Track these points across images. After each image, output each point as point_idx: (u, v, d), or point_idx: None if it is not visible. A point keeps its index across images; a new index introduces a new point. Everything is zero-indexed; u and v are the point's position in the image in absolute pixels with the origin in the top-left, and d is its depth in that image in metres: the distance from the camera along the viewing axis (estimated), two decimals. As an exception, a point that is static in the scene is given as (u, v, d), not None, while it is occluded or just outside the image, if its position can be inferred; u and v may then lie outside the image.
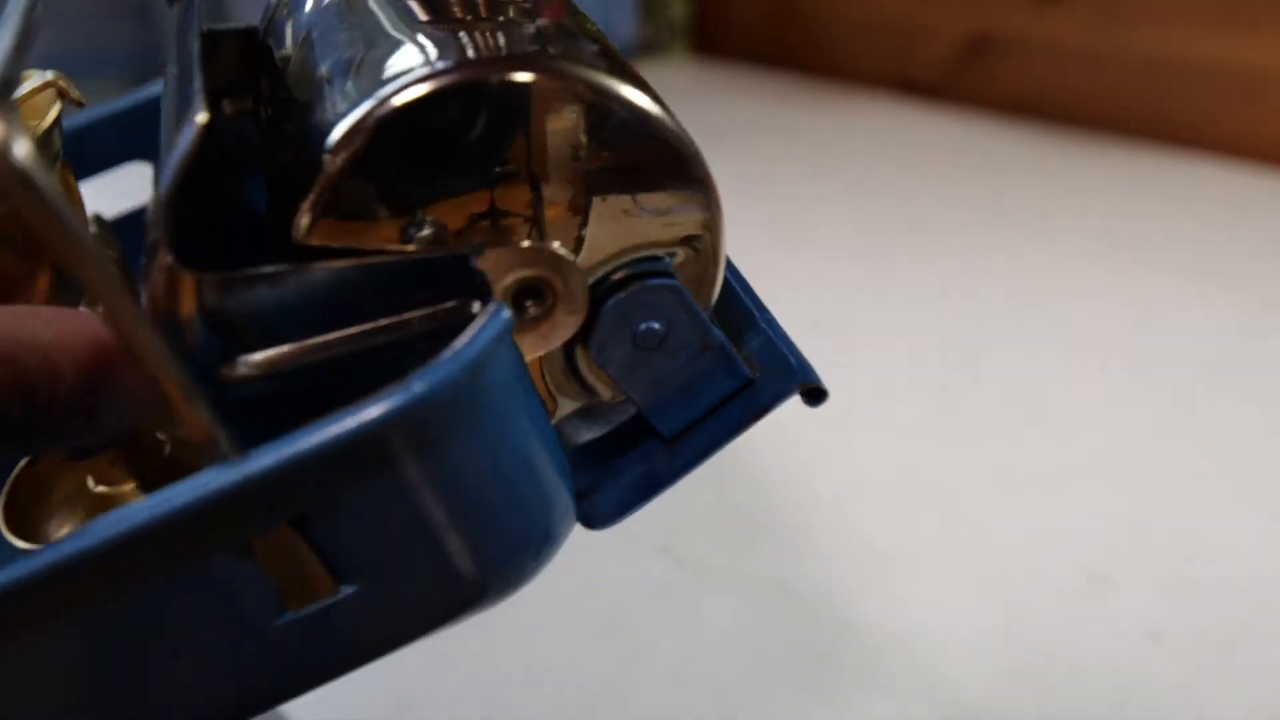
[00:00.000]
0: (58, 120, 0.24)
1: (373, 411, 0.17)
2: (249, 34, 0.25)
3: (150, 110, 0.29)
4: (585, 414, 0.24)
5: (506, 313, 0.19)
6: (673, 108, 0.22)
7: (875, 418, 0.49)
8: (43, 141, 0.24)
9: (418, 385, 0.17)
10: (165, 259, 0.18)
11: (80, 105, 0.25)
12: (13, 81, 0.15)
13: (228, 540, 0.17)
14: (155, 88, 0.29)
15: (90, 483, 0.25)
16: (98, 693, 0.18)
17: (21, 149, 0.14)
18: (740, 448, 0.49)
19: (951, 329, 0.57)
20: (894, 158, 0.82)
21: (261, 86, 0.24)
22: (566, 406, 0.23)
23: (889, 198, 0.75)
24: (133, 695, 0.18)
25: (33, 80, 0.24)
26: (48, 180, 0.14)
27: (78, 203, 0.25)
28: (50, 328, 0.19)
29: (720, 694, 0.35)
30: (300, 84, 0.22)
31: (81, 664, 0.18)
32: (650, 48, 1.07)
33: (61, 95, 0.24)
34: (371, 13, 0.22)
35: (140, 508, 0.17)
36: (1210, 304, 0.58)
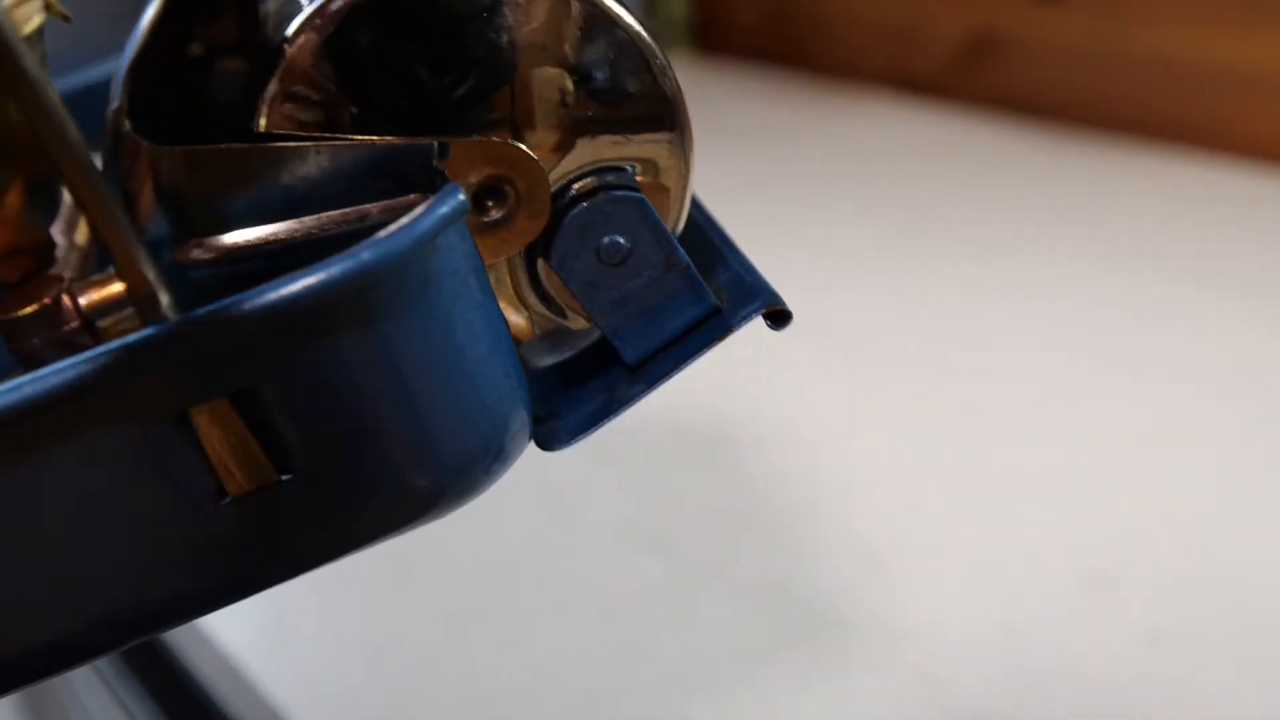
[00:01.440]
0: (40, 30, 0.24)
1: (318, 275, 0.16)
2: None
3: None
4: (550, 339, 0.23)
5: (462, 195, 0.18)
6: (672, 68, 0.21)
7: (875, 417, 0.49)
8: (32, 48, 0.23)
9: (366, 253, 0.17)
10: (123, 124, 0.17)
11: (66, 19, 0.24)
12: None
13: (162, 405, 0.16)
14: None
15: None
16: (23, 567, 0.17)
17: None
18: (740, 448, 0.49)
19: (951, 328, 0.57)
20: (894, 157, 0.82)
21: (233, 19, 0.24)
22: (532, 329, 0.23)
23: (889, 197, 0.75)
24: (60, 570, 0.17)
25: None
26: (13, 31, 0.14)
27: None
28: None
29: (719, 694, 0.35)
30: (277, 24, 0.22)
31: (5, 538, 0.17)
32: (650, 47, 1.07)
33: (48, 8, 0.24)
34: None
35: (69, 364, 0.16)
36: (1211, 304, 0.58)
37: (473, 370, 0.19)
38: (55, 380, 0.16)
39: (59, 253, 0.22)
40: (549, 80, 0.20)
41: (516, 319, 0.22)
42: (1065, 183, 0.75)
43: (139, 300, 0.16)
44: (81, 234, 0.24)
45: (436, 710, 0.35)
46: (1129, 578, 0.39)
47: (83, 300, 0.19)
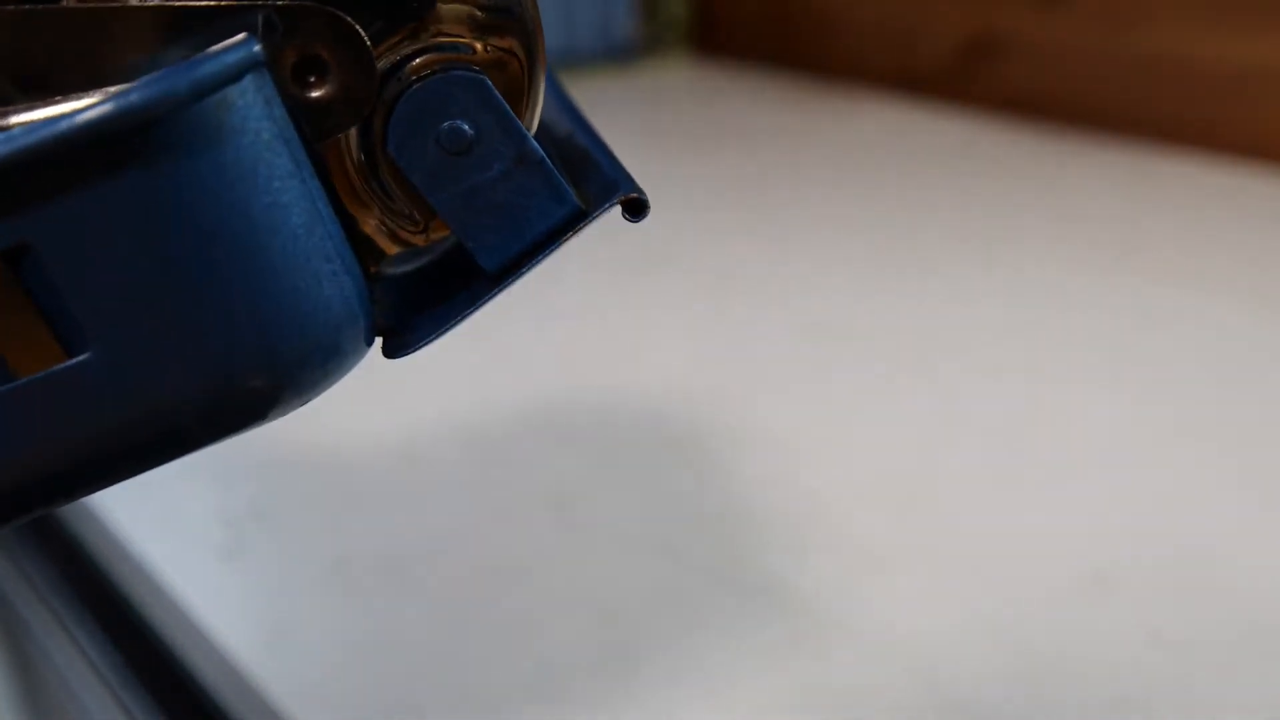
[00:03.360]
0: None
1: (89, 112, 0.15)
2: None
3: None
4: (394, 242, 0.22)
5: (257, 47, 0.17)
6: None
7: (875, 417, 0.49)
8: None
9: (135, 93, 0.15)
10: None
11: None
12: None
13: None
14: None
15: None
16: None
17: None
18: (739, 447, 0.49)
19: (951, 327, 0.57)
20: (894, 157, 0.82)
21: None
22: (373, 224, 0.21)
23: (889, 197, 0.75)
24: None
25: None
26: None
27: None
28: None
29: (719, 693, 0.35)
30: None
31: None
32: (650, 47, 1.07)
33: None
34: None
35: None
36: (1211, 304, 0.58)
37: (283, 245, 0.17)
38: None
39: None
40: None
41: (364, 215, 0.21)
42: (1065, 183, 0.75)
43: None
44: None
45: (436, 710, 0.35)
46: (1129, 578, 0.39)
47: None
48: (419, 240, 0.21)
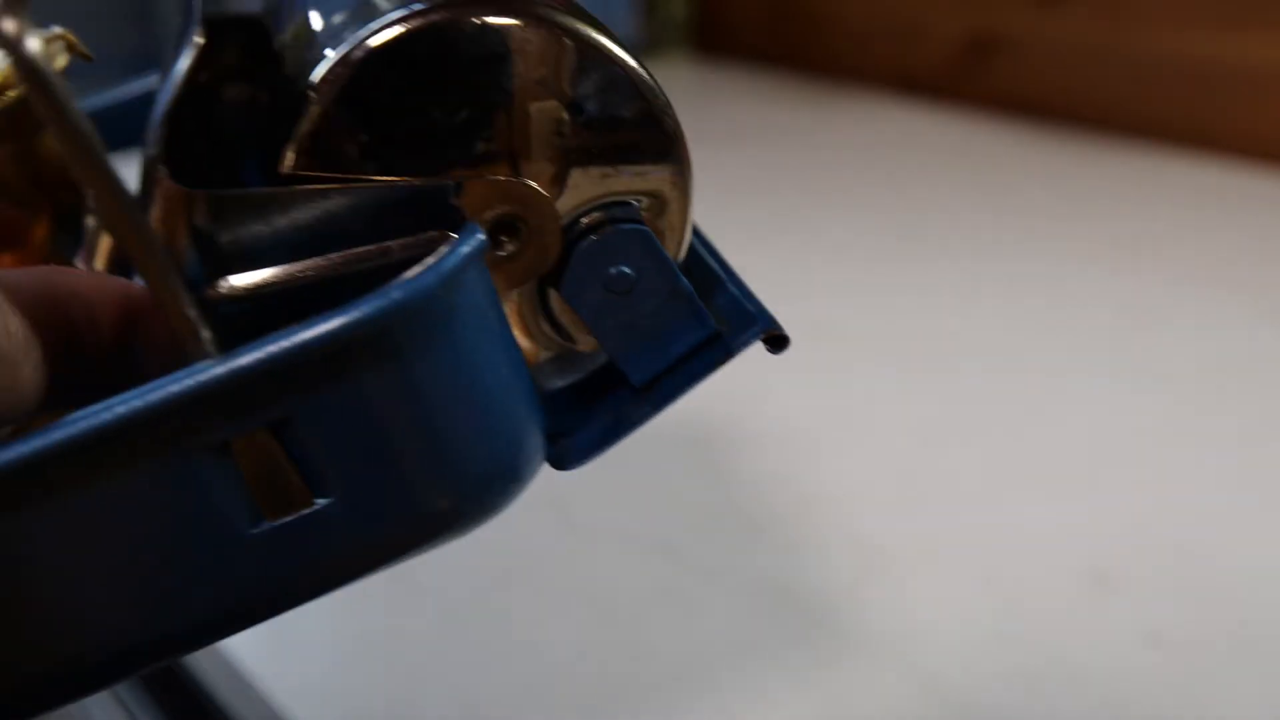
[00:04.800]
0: (63, 71, 0.24)
1: (354, 313, 0.17)
2: (251, 24, 0.26)
3: (140, 104, 0.29)
4: (560, 363, 0.24)
5: (481, 234, 0.19)
6: (673, 107, 0.22)
7: (876, 417, 0.49)
8: None
9: (396, 292, 0.18)
10: (158, 172, 0.18)
11: (88, 59, 0.25)
12: None
13: (207, 436, 0.17)
14: (142, 83, 0.30)
15: None
16: (75, 591, 0.18)
17: (33, 43, 0.15)
18: (740, 448, 0.49)
19: (951, 327, 0.57)
20: (894, 157, 0.82)
21: (262, 74, 0.25)
22: (540, 352, 0.24)
23: (889, 196, 0.75)
24: (108, 594, 0.18)
25: (42, 32, 0.24)
26: (56, 76, 0.15)
27: None
28: (84, 281, 0.20)
29: (720, 693, 0.35)
30: (294, 60, 0.22)
31: (56, 558, 0.18)
32: (651, 46, 1.07)
33: (70, 49, 0.25)
34: None
35: (121, 399, 0.17)
36: (1210, 304, 0.58)
37: (491, 396, 0.20)
38: (105, 416, 0.17)
39: None
40: (554, 119, 0.21)
41: (528, 344, 0.23)
42: (1065, 182, 0.75)
43: (183, 339, 0.17)
44: (100, 260, 0.25)
45: (436, 710, 0.35)
46: (1129, 578, 0.39)
47: None
48: (569, 348, 0.24)
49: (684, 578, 0.40)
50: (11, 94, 0.23)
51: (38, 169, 0.24)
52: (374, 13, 0.21)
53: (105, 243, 0.25)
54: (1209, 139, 0.77)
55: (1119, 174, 0.76)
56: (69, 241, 0.25)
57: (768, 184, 0.77)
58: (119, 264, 0.25)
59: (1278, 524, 0.41)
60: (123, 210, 0.16)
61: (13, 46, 0.15)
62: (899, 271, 0.64)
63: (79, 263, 0.25)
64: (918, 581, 0.39)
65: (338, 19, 0.22)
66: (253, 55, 0.26)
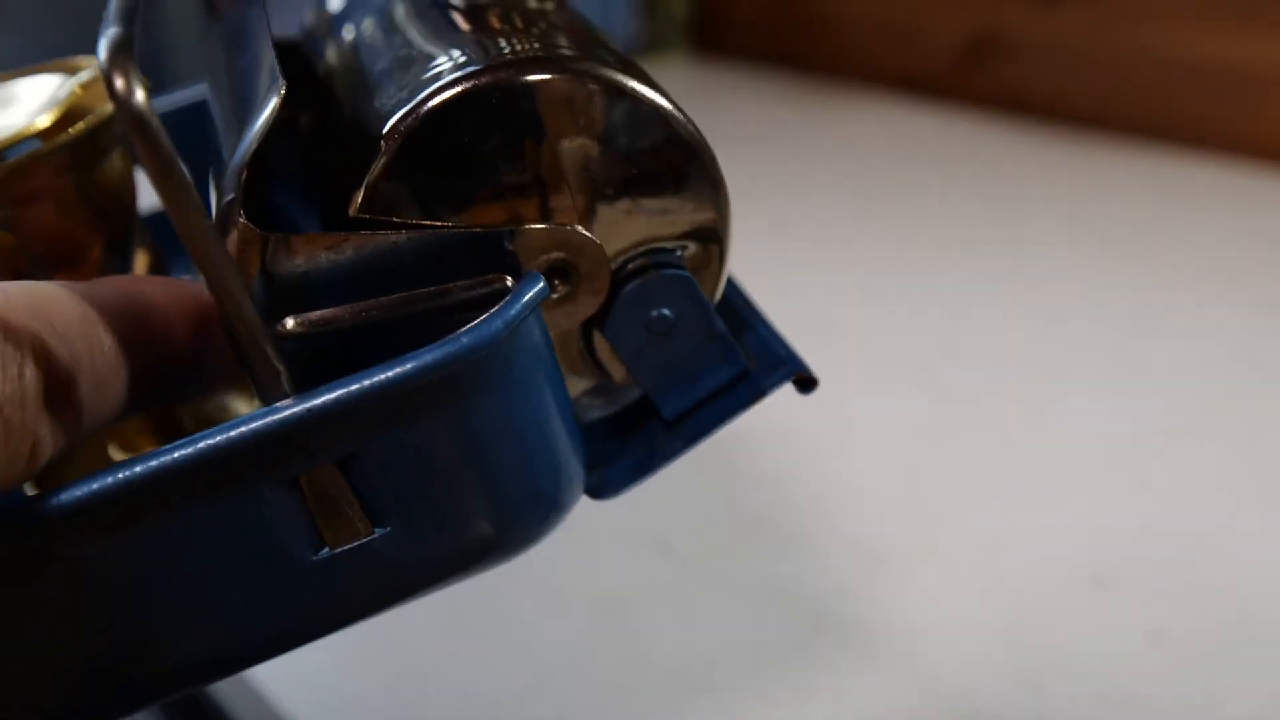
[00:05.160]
0: None
1: (426, 358, 0.19)
2: (288, 49, 0.27)
3: (182, 115, 0.31)
4: (595, 395, 0.26)
5: (542, 282, 0.21)
6: (717, 161, 0.24)
7: (875, 417, 0.49)
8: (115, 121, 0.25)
9: (465, 338, 0.19)
10: (236, 216, 0.20)
11: (147, 90, 0.26)
12: (132, 39, 0.17)
13: (281, 471, 0.19)
14: (183, 94, 0.32)
15: (113, 451, 0.26)
16: (139, 613, 0.19)
17: (140, 96, 0.16)
18: (740, 448, 0.49)
19: (951, 327, 0.57)
20: (895, 157, 0.82)
21: (300, 96, 0.26)
22: (579, 386, 0.25)
23: (889, 197, 0.75)
24: (173, 618, 0.19)
25: (95, 67, 0.26)
26: (160, 126, 0.17)
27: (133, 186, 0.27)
28: (159, 290, 0.21)
29: (719, 693, 0.35)
30: (349, 89, 0.24)
31: (129, 583, 0.19)
32: (651, 46, 1.07)
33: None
34: (414, 26, 0.24)
35: (206, 435, 0.18)
36: (1210, 304, 0.58)
37: (540, 430, 0.21)
38: (187, 450, 0.18)
39: None
40: (608, 170, 0.23)
41: (569, 377, 0.24)
42: (1065, 182, 0.75)
43: (261, 379, 0.19)
44: (139, 273, 0.27)
45: (436, 711, 0.35)
46: (1130, 578, 0.39)
47: None
48: (606, 381, 0.25)
49: (684, 578, 0.40)
50: (79, 127, 0.24)
51: (94, 195, 0.25)
52: (425, 60, 0.23)
53: (142, 261, 0.27)
54: (1209, 139, 0.77)
55: (1119, 173, 0.76)
56: (118, 261, 0.26)
57: (767, 183, 0.77)
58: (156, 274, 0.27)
59: (1278, 524, 0.41)
60: (213, 256, 0.18)
61: (122, 102, 0.17)
62: (899, 271, 0.64)
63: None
64: (918, 581, 0.39)
65: (383, 65, 0.23)
66: (296, 83, 0.27)
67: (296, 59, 0.27)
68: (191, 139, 0.28)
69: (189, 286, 0.21)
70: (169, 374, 0.21)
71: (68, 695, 0.19)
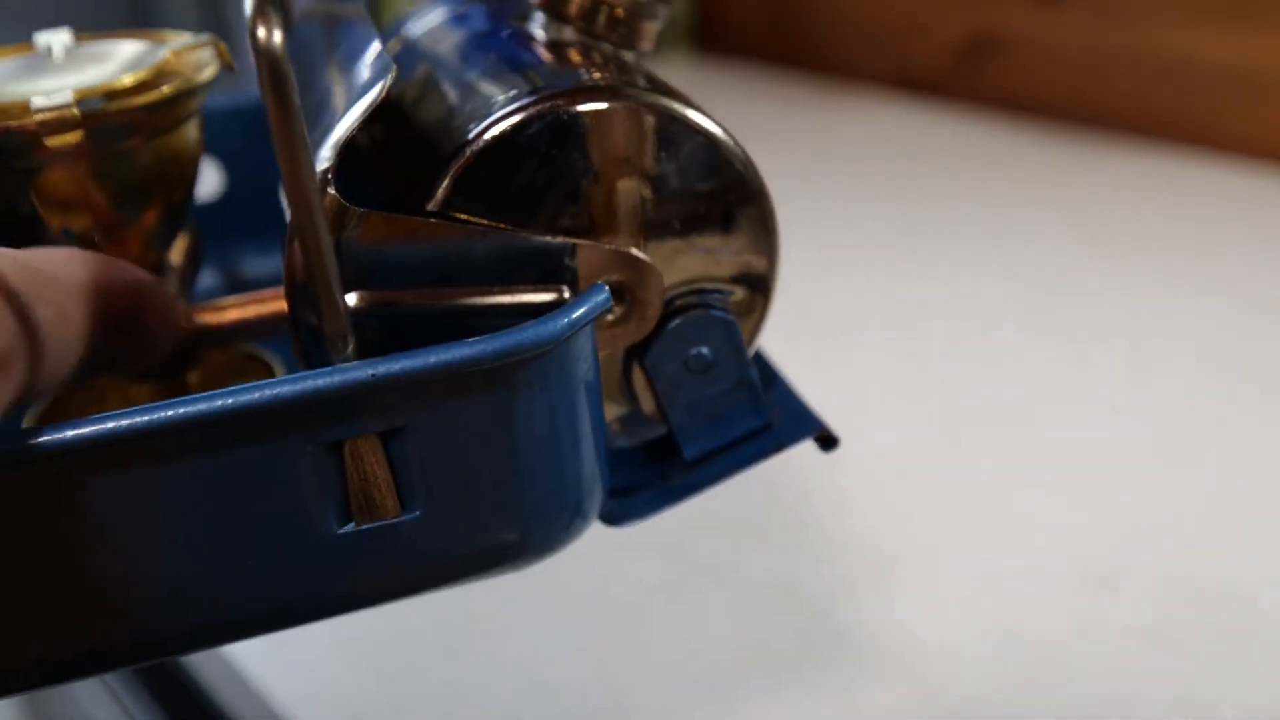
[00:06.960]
0: (211, 80, 0.27)
1: (494, 344, 0.19)
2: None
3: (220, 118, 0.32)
4: (619, 423, 0.26)
5: (606, 293, 0.21)
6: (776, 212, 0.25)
7: (875, 417, 0.49)
8: (201, 93, 0.26)
9: (529, 331, 0.20)
10: (329, 186, 0.20)
11: (231, 70, 0.27)
12: None
13: (328, 432, 0.19)
14: (230, 98, 0.33)
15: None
16: (160, 551, 0.19)
17: (278, 39, 0.17)
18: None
19: (951, 328, 0.57)
20: (894, 156, 0.82)
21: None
22: (610, 412, 0.25)
23: (889, 196, 0.75)
24: (189, 567, 0.19)
25: (189, 39, 0.27)
26: (291, 75, 0.17)
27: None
28: (133, 271, 0.22)
29: (720, 694, 0.35)
30: (427, 106, 0.25)
31: (157, 522, 0.19)
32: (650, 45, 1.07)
33: (220, 57, 0.27)
34: (500, 51, 0.26)
35: (268, 384, 0.18)
36: (1210, 304, 0.58)
37: (575, 440, 0.21)
38: (253, 395, 0.18)
39: (166, 273, 0.27)
40: (673, 205, 0.23)
41: (605, 405, 0.25)
42: (1065, 182, 0.75)
43: (331, 340, 0.19)
44: (177, 255, 0.28)
45: (436, 711, 0.35)
46: (1129, 579, 0.39)
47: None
48: (635, 410, 0.26)
49: (684, 578, 0.40)
50: (165, 90, 0.25)
51: (157, 164, 0.26)
52: (509, 82, 0.23)
53: (181, 244, 0.28)
54: (1209, 139, 0.77)
55: (1118, 173, 0.76)
56: (169, 231, 0.27)
57: (766, 181, 0.77)
58: (193, 258, 0.29)
59: (1278, 524, 0.41)
60: (313, 209, 0.18)
61: (262, 44, 0.17)
62: (898, 270, 0.64)
63: (171, 256, 0.28)
64: (918, 581, 0.39)
65: (456, 94, 0.24)
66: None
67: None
68: (235, 136, 0.31)
69: (130, 269, 0.22)
70: (151, 341, 0.22)
71: (79, 636, 0.19)
